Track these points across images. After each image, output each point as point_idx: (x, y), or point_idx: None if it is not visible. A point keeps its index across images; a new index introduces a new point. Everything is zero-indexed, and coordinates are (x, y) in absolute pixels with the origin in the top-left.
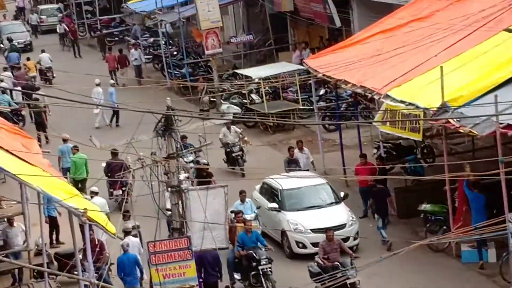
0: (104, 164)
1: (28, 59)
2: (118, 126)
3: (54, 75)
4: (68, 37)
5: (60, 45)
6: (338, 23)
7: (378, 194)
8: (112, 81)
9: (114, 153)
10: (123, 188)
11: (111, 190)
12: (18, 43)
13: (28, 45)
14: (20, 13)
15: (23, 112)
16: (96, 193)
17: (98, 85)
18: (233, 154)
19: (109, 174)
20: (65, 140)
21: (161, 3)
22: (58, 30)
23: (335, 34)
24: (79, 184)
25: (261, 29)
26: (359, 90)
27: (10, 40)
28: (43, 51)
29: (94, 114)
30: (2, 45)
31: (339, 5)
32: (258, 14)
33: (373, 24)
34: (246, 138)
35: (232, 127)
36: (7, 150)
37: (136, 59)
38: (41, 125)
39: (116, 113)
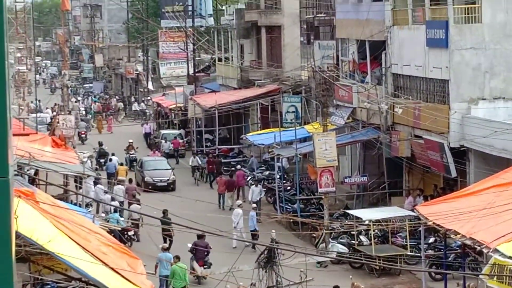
0: (189, 245)
1: (121, 164)
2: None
3: None
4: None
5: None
6: (454, 173)
7: None
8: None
9: (201, 236)
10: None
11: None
12: (161, 180)
13: (171, 184)
14: (146, 138)
15: (130, 233)
16: None
17: (239, 206)
18: None
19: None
20: (164, 249)
21: (279, 137)
22: (162, 148)
23: (450, 184)
24: None
25: (376, 172)
26: (468, 242)
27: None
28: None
29: (234, 233)
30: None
31: (456, 155)
32: (374, 157)
33: (488, 177)
34: None
35: None
36: (112, 269)
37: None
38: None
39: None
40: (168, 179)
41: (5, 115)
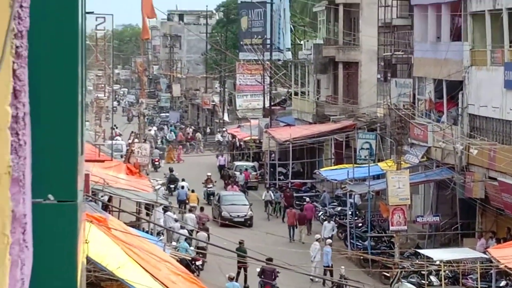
0: (258, 269)
1: (192, 191)
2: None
3: None
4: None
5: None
6: None
7: None
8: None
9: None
10: None
11: None
12: (238, 216)
13: (248, 220)
14: (220, 170)
15: (198, 262)
16: None
17: (317, 240)
18: None
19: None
20: (231, 279)
21: (353, 174)
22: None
23: None
24: None
25: (449, 212)
26: None
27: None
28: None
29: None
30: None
31: None
32: (447, 197)
33: None
34: None
35: None
36: None
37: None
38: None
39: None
40: (245, 215)
41: (75, 140)
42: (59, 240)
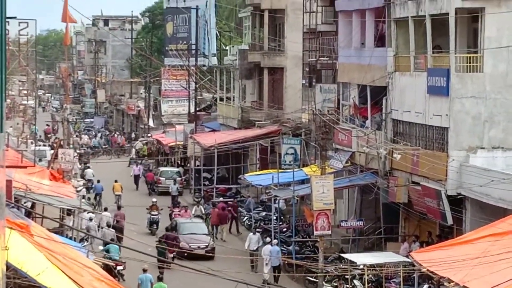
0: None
1: (116, 181)
2: None
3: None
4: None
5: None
6: (450, 221)
7: None
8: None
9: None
10: None
11: None
12: (198, 247)
13: (210, 251)
14: (135, 181)
15: (120, 267)
16: None
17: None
18: None
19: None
20: (145, 270)
21: (277, 179)
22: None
23: (445, 231)
24: None
25: (372, 217)
26: None
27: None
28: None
29: None
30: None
31: (453, 203)
32: (371, 201)
33: (484, 226)
34: None
35: None
36: None
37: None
38: None
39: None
40: (207, 246)
41: None
42: None
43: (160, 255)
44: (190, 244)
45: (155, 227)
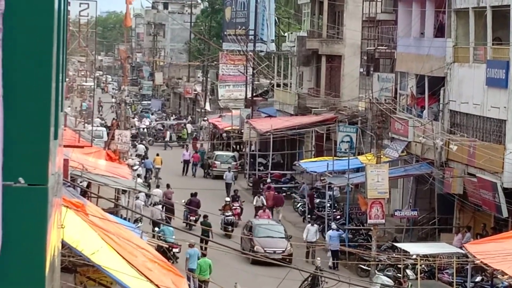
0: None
1: (157, 154)
2: None
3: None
4: None
5: None
6: (505, 214)
7: None
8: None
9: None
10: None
11: None
12: (274, 252)
13: (287, 257)
14: (185, 166)
15: (175, 250)
16: None
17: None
18: None
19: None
20: (192, 245)
21: (332, 166)
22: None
23: (500, 224)
24: (203, 284)
25: (427, 207)
26: None
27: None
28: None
29: None
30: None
31: (509, 196)
32: (426, 192)
33: None
34: None
35: None
36: (157, 285)
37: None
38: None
39: None
40: (283, 251)
41: (47, 124)
42: (29, 223)
43: (204, 233)
44: (265, 249)
45: (230, 229)
